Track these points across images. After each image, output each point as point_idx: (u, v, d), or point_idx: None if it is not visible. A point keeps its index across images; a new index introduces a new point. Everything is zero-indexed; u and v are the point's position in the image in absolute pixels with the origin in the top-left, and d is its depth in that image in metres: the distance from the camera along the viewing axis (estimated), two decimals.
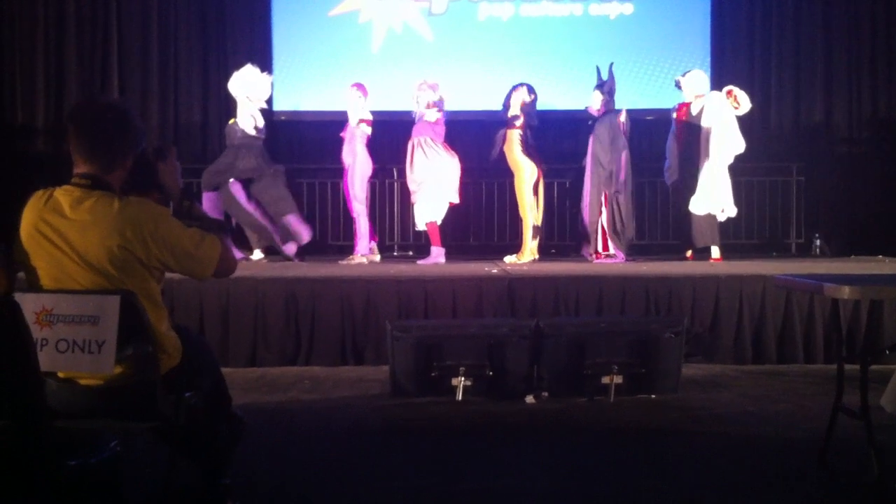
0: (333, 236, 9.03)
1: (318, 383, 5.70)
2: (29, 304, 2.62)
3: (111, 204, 2.76)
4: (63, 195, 2.80)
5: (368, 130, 7.90)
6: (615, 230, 7.89)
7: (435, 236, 7.88)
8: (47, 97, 9.68)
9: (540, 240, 8.07)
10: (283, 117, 9.95)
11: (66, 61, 9.68)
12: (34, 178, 9.55)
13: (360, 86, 8.05)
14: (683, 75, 8.15)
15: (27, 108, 9.67)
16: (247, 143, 8.03)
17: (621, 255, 7.88)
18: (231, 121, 8.22)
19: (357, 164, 7.90)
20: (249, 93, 8.09)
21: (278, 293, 6.24)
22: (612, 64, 8.03)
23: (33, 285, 2.79)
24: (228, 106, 9.79)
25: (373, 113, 8.04)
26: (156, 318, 2.82)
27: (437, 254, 7.86)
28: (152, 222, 2.78)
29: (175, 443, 3.14)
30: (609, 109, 7.92)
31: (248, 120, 8.06)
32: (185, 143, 9.88)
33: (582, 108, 8.29)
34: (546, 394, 5.22)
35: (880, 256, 8.64)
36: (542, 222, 8.18)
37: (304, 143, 9.16)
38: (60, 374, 2.77)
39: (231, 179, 7.97)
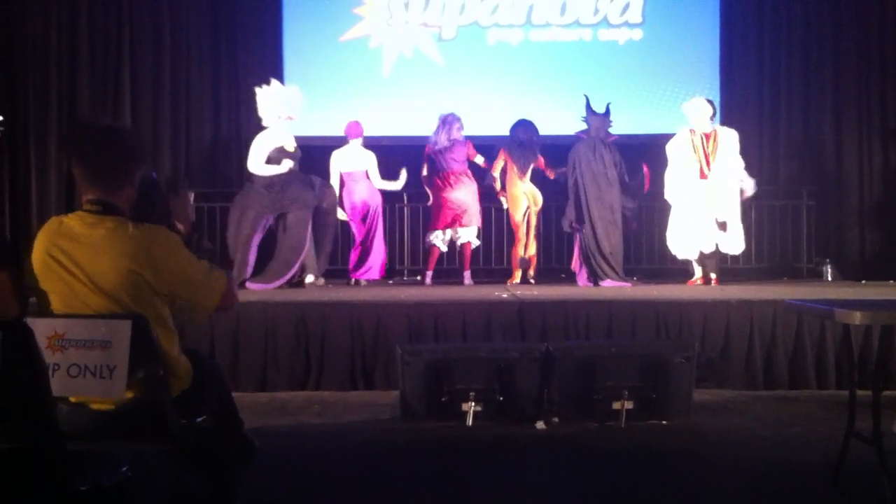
0: (343, 260, 9.04)
1: (327, 407, 5.69)
2: (41, 328, 2.63)
3: (124, 229, 2.79)
4: (75, 221, 2.83)
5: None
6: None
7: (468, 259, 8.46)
8: (59, 121, 9.73)
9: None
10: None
11: (79, 86, 9.74)
12: (47, 203, 9.68)
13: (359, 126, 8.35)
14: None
15: (39, 132, 9.71)
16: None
17: (609, 282, 7.93)
18: (286, 145, 7.93)
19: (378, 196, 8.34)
20: (289, 112, 8.01)
21: (288, 317, 6.25)
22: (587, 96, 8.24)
23: (45, 310, 2.81)
24: (239, 130, 9.88)
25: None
26: (167, 342, 2.84)
27: (466, 276, 8.41)
28: (165, 248, 2.80)
29: (185, 465, 3.14)
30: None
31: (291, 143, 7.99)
32: (196, 168, 9.93)
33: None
34: (556, 418, 5.21)
35: (891, 281, 8.61)
36: (553, 246, 8.41)
37: (315, 167, 9.16)
38: (72, 399, 2.77)
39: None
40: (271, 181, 7.75)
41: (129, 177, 2.88)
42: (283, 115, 7.95)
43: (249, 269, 7.64)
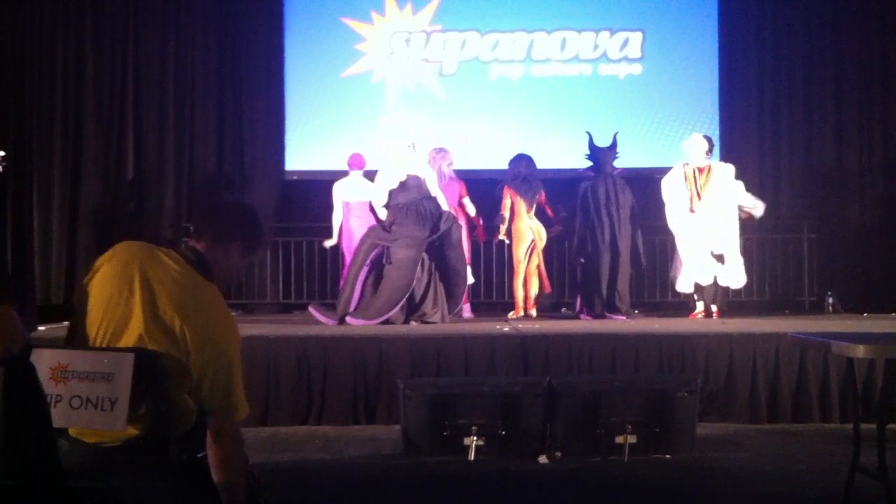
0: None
1: (329, 442, 5.66)
2: (45, 359, 2.62)
3: (205, 289, 2.77)
4: (170, 259, 2.79)
5: None
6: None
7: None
8: (63, 154, 9.77)
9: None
10: (294, 176, 10.05)
11: (83, 121, 9.80)
12: (49, 239, 9.69)
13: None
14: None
15: (42, 168, 9.76)
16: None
17: (610, 316, 7.94)
18: (399, 175, 7.55)
19: None
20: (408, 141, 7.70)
21: (290, 351, 6.23)
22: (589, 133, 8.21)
23: (82, 316, 2.76)
24: (242, 164, 9.93)
25: None
26: (177, 386, 2.79)
27: (466, 309, 8.32)
28: (223, 334, 2.75)
29: (186, 502, 3.11)
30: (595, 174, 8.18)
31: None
32: (199, 203, 9.95)
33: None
34: (559, 453, 5.18)
35: (894, 314, 8.60)
36: (555, 280, 8.42)
37: (317, 202, 9.23)
38: (72, 432, 2.75)
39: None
40: (391, 220, 7.47)
41: (230, 241, 2.86)
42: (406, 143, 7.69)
43: (353, 305, 7.38)
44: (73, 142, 9.80)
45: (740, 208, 7.95)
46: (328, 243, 8.59)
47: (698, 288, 8.01)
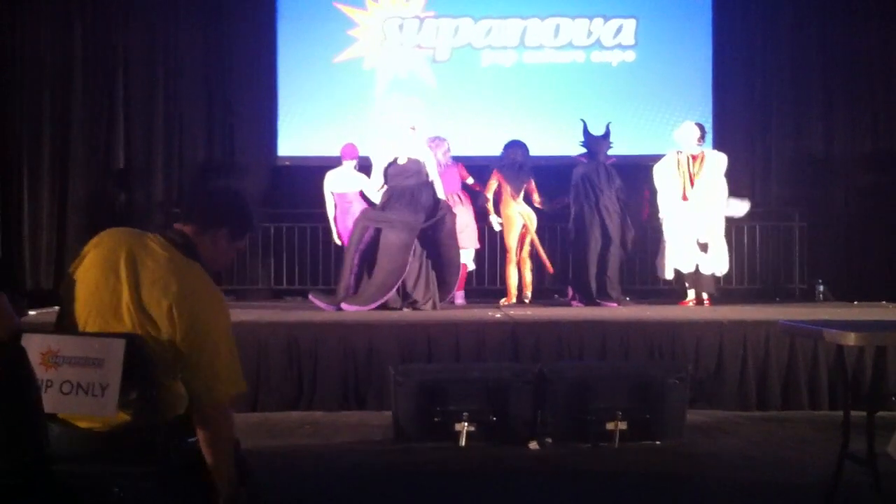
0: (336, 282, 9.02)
1: (319, 428, 5.66)
2: (35, 344, 2.61)
3: (191, 271, 2.76)
4: (156, 244, 2.79)
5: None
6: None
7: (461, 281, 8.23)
8: (52, 143, 9.72)
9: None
10: (287, 162, 10.01)
11: (72, 109, 9.73)
12: (39, 226, 9.63)
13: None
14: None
15: (32, 155, 9.70)
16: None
17: (602, 303, 7.94)
18: (399, 157, 7.49)
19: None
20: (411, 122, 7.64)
21: (280, 337, 6.23)
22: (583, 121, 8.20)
23: (70, 303, 2.76)
24: (232, 151, 9.88)
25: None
26: (167, 371, 2.78)
27: (459, 296, 8.28)
28: (209, 310, 2.75)
29: (176, 487, 3.11)
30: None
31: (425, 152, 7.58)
32: (189, 190, 9.91)
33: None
34: (549, 439, 5.19)
35: (883, 302, 8.63)
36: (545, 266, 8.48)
37: (309, 187, 9.19)
38: (63, 417, 2.75)
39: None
40: (385, 201, 7.48)
41: (217, 227, 2.86)
42: (406, 125, 7.62)
43: (350, 291, 7.32)
44: (62, 130, 9.73)
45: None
46: (337, 241, 8.50)
47: (679, 275, 8.04)
